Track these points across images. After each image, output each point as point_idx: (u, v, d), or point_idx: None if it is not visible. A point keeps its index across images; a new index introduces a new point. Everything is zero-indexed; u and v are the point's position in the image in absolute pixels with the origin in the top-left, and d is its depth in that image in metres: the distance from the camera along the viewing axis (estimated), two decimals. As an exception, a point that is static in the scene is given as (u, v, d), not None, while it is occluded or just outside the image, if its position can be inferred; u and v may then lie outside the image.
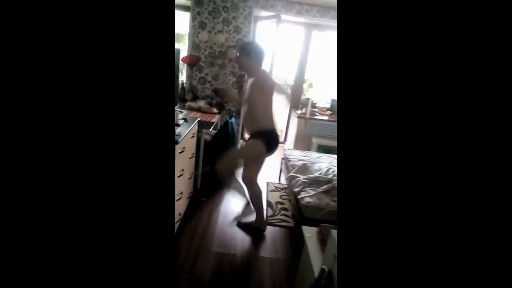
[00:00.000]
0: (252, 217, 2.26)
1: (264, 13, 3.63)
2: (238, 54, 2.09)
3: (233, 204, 2.57)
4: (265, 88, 1.99)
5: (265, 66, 2.13)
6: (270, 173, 3.32)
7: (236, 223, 2.28)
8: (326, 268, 0.86)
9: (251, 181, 2.10)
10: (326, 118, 3.77)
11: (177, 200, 1.92)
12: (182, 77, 3.85)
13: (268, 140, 2.00)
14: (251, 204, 2.22)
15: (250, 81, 2.07)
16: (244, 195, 2.28)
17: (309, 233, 1.30)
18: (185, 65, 3.68)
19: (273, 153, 2.11)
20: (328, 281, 0.85)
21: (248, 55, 1.98)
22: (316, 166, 2.55)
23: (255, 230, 2.21)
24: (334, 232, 0.91)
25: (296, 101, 4.20)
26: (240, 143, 4.17)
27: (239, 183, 2.22)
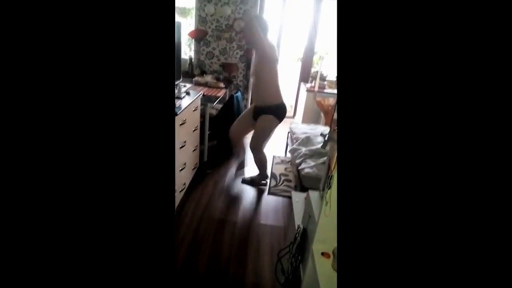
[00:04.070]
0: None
1: (271, -17, 3.51)
2: (243, 29, 2.20)
3: (238, 177, 2.65)
4: (270, 60, 2.05)
5: (270, 38, 2.17)
6: (276, 146, 3.36)
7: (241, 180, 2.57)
8: (301, 226, 0.91)
9: (259, 150, 2.37)
10: (335, 91, 3.70)
11: (180, 170, 2.01)
12: (190, 53, 3.87)
13: (279, 113, 2.23)
14: (256, 166, 2.50)
15: (255, 54, 2.11)
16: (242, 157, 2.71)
17: (298, 198, 1.34)
18: (193, 40, 3.68)
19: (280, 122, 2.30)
20: (302, 237, 0.90)
21: (251, 29, 2.02)
22: (319, 139, 2.56)
23: (258, 183, 2.52)
24: (311, 193, 0.95)
25: (306, 75, 4.12)
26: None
27: (243, 148, 2.62)
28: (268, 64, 2.08)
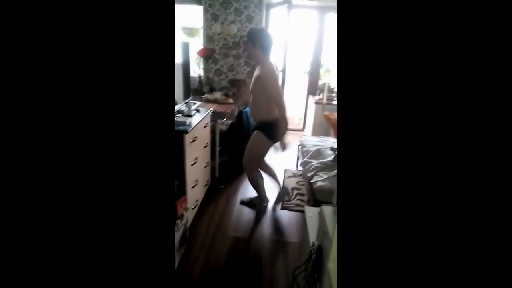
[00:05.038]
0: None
1: (275, 0, 3.60)
2: (244, 41, 2.07)
3: (250, 191, 2.64)
4: (269, 79, 1.95)
5: (273, 54, 2.08)
6: (288, 160, 3.34)
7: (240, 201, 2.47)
8: (316, 242, 0.89)
9: (251, 168, 2.24)
10: (344, 102, 3.69)
11: (192, 187, 2.02)
12: (199, 71, 3.95)
13: (270, 130, 2.07)
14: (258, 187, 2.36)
15: (256, 71, 2.04)
16: (277, 180, 2.47)
17: (311, 213, 1.32)
18: (201, 58, 3.77)
19: (276, 142, 2.14)
20: (318, 254, 0.88)
21: (253, 43, 1.95)
22: (330, 151, 2.54)
23: (257, 207, 2.40)
24: (325, 208, 0.93)
25: (313, 87, 4.14)
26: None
27: (271, 169, 2.41)
28: (266, 83, 1.95)
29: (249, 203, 2.44)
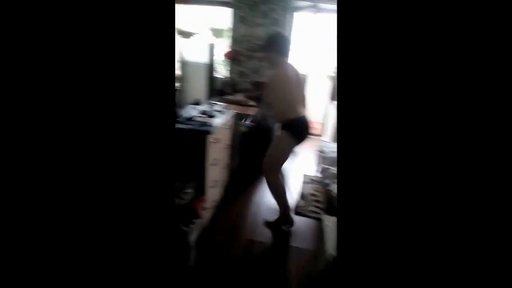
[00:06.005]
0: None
1: (302, 3, 3.58)
2: (261, 48, 2.02)
3: (268, 194, 2.64)
4: (283, 80, 1.90)
5: (291, 57, 2.03)
6: (307, 165, 3.32)
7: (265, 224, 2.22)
8: (333, 254, 0.89)
9: (271, 171, 2.04)
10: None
11: (211, 187, 2.05)
12: (224, 72, 4.00)
13: (295, 129, 1.95)
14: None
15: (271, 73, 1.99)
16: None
17: (330, 222, 1.31)
18: (227, 60, 3.81)
19: (303, 141, 2.03)
20: (335, 266, 0.87)
21: (267, 47, 1.94)
22: (351, 159, 2.50)
23: (278, 226, 2.17)
24: (345, 220, 0.92)
25: (334, 93, 4.08)
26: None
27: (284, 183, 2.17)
28: (280, 85, 1.91)
29: (274, 224, 2.17)
